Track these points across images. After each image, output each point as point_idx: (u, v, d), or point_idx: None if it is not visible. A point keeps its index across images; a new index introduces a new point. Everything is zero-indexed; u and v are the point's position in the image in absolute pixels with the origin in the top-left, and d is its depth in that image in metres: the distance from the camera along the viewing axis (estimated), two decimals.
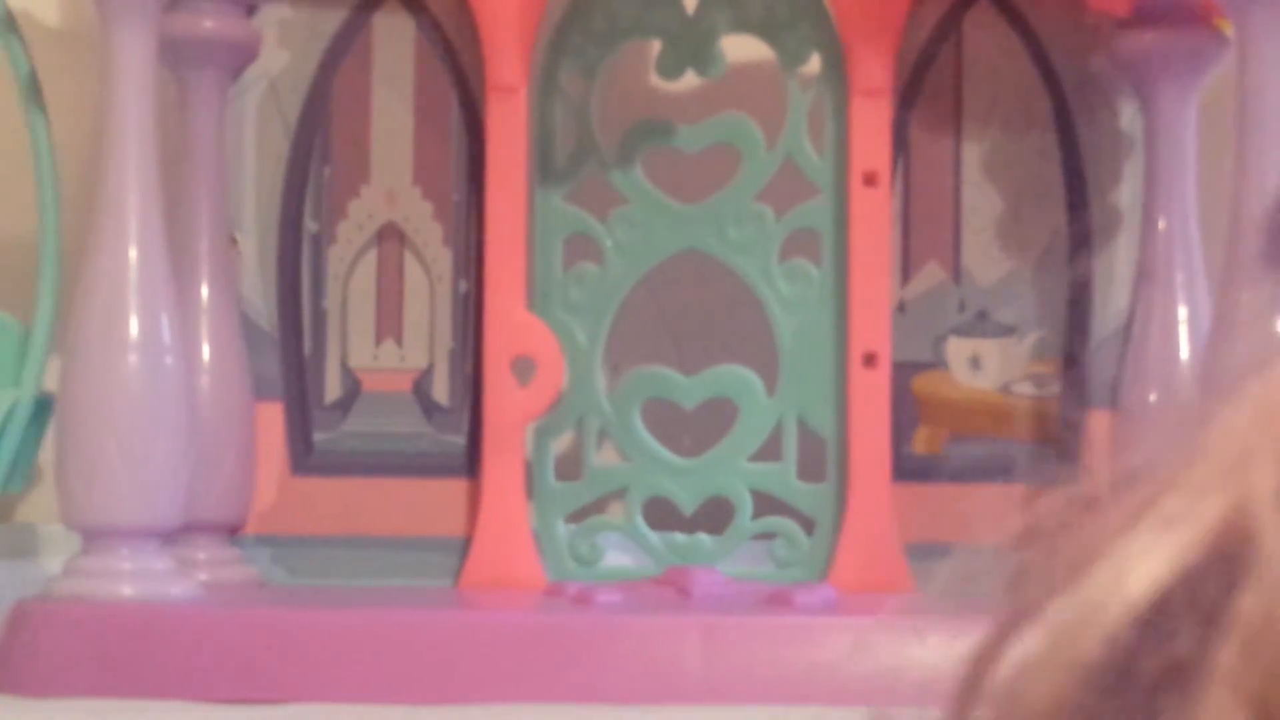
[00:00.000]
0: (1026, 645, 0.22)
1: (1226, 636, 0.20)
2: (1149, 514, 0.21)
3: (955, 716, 0.22)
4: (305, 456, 0.99)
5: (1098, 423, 0.97)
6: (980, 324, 0.99)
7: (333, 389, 1.00)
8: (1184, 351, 0.94)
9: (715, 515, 0.98)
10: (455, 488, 0.98)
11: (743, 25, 0.98)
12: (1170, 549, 0.21)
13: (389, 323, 1.00)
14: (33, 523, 1.05)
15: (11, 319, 0.91)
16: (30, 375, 0.90)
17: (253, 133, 0.99)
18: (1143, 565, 0.21)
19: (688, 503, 0.98)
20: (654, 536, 0.98)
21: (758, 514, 0.97)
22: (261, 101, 1.00)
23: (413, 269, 1.00)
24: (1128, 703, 0.21)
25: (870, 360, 0.96)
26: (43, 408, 0.90)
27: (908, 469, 0.97)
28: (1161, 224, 0.95)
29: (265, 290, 0.99)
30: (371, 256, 1.00)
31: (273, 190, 0.99)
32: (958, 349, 1.00)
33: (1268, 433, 0.20)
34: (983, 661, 0.22)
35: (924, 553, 0.94)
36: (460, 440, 0.99)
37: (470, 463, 0.98)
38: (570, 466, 0.99)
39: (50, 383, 0.90)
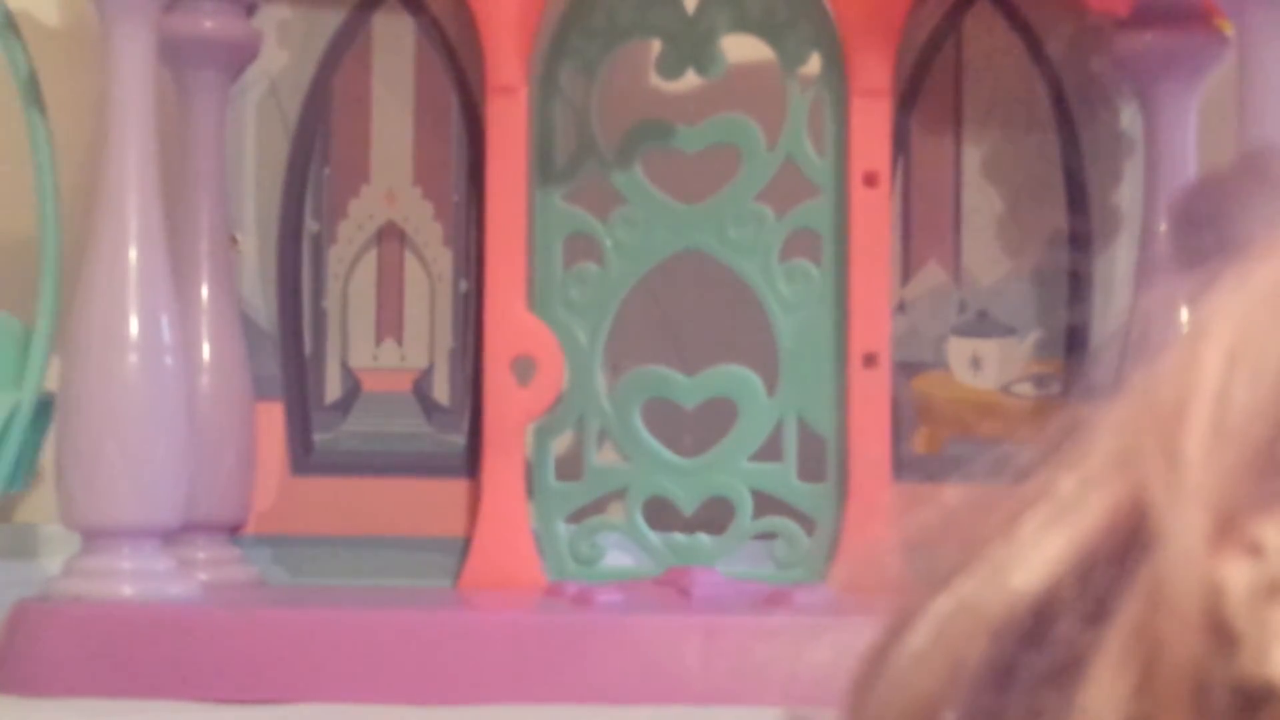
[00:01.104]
0: (913, 639, 0.22)
1: (1113, 629, 0.20)
2: (1037, 507, 0.22)
3: (850, 712, 0.23)
4: (305, 456, 0.99)
5: None
6: (980, 324, 0.99)
7: (333, 389, 1.00)
8: None
9: (715, 515, 0.98)
10: (455, 488, 0.98)
11: (743, 25, 0.98)
12: (1059, 541, 0.21)
13: (389, 323, 1.00)
14: (33, 523, 1.05)
15: (13, 319, 0.91)
16: (33, 376, 0.90)
17: (253, 133, 0.99)
18: (1029, 558, 0.21)
19: (688, 503, 0.98)
20: (654, 536, 0.98)
21: (758, 514, 0.97)
22: (261, 101, 1.00)
23: (413, 269, 1.00)
24: (1008, 699, 0.21)
25: (870, 360, 0.96)
26: (45, 408, 0.90)
27: (908, 469, 0.97)
28: (1161, 224, 0.95)
29: (265, 290, 0.99)
30: (372, 256, 1.00)
31: (273, 190, 0.99)
32: (958, 349, 1.00)
33: (1156, 424, 0.21)
34: (875, 656, 0.22)
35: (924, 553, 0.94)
36: (460, 440, 0.99)
37: (470, 463, 0.98)
38: (570, 466, 0.99)
39: (51, 383, 0.90)
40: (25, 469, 0.91)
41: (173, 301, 0.87)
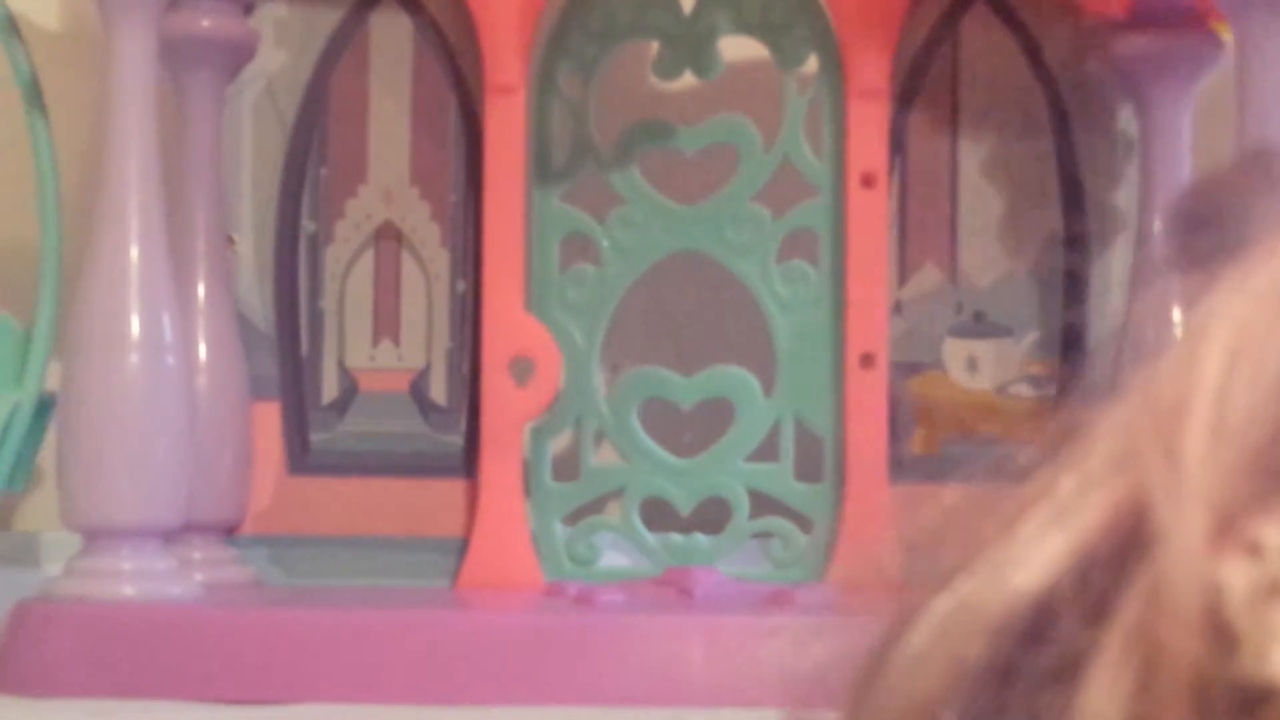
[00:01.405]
0: (913, 640, 0.22)
1: (1113, 629, 0.20)
2: (1037, 507, 0.22)
3: (849, 713, 0.23)
4: (302, 456, 0.99)
5: None
6: (977, 325, 1.00)
7: (330, 389, 1.00)
8: None
9: (713, 515, 0.98)
10: (453, 488, 0.98)
11: (740, 26, 0.99)
12: (1058, 541, 0.21)
13: (386, 323, 1.00)
14: (33, 530, 1.05)
15: (12, 320, 0.91)
16: (32, 376, 0.90)
17: (250, 132, 0.99)
18: (1028, 558, 0.21)
19: (685, 503, 0.98)
20: (651, 537, 0.98)
21: (755, 514, 0.97)
22: (258, 101, 1.00)
23: (410, 269, 1.00)
24: (1008, 700, 0.21)
25: (867, 361, 0.96)
26: (43, 408, 0.90)
27: (905, 469, 0.97)
28: (1158, 225, 0.95)
29: (262, 290, 0.99)
30: (369, 256, 1.00)
31: (270, 190, 1.00)
32: (955, 350, 1.00)
33: (1156, 424, 0.21)
34: (875, 656, 0.22)
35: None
36: (458, 440, 0.99)
37: (468, 463, 0.98)
38: (568, 467, 0.99)
39: (50, 383, 0.90)
40: (23, 470, 0.91)
41: (174, 301, 0.87)
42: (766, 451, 0.97)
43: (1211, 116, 0.95)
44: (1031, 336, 0.99)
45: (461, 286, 0.99)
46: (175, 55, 0.94)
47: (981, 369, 1.00)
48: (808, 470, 0.97)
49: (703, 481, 0.97)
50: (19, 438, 0.89)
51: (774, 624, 0.81)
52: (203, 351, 0.94)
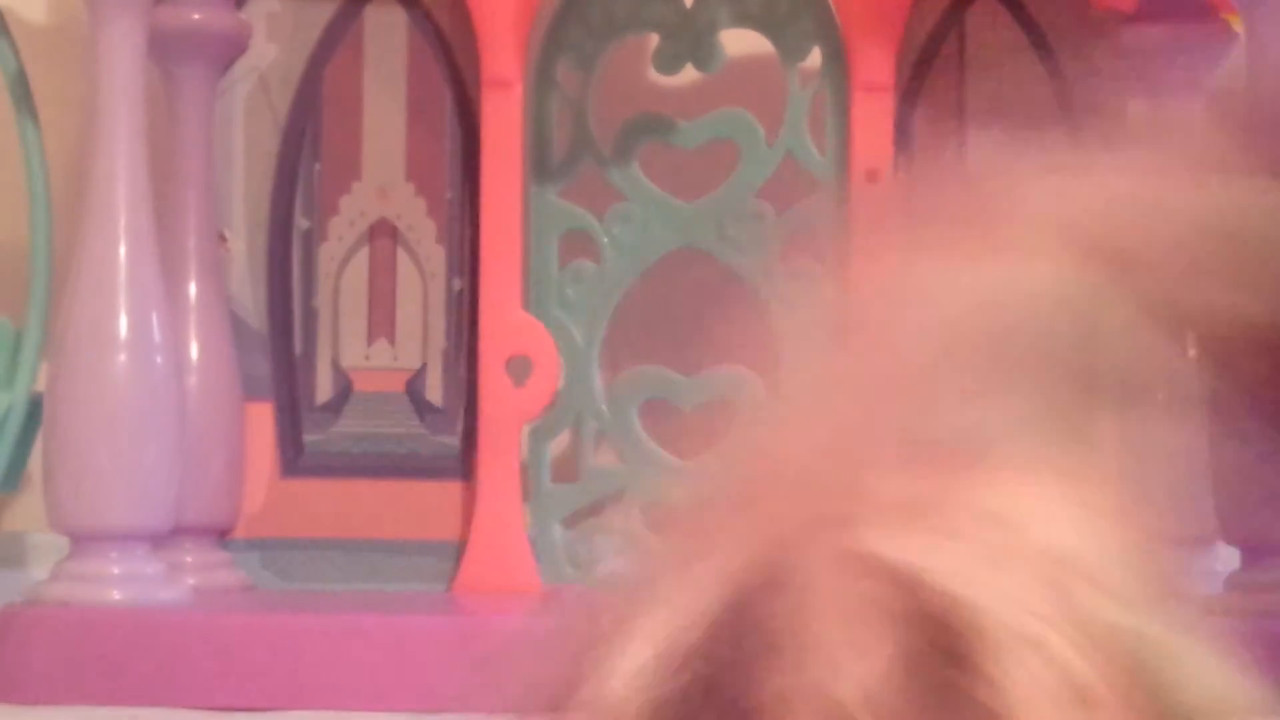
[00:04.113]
0: None
1: None
2: (647, 603, 0.20)
3: None
4: (296, 458, 0.99)
5: None
6: None
7: (324, 389, 1.00)
8: None
9: None
10: (449, 490, 0.98)
11: (742, 19, 0.98)
12: (657, 634, 0.20)
13: (381, 322, 1.00)
14: (20, 531, 1.05)
15: (3, 321, 0.91)
16: (24, 377, 0.89)
17: (242, 128, 0.99)
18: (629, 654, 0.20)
19: None
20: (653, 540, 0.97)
21: None
22: (251, 95, 1.00)
23: (405, 267, 1.00)
24: None
25: None
26: (36, 409, 0.90)
27: None
28: None
29: (255, 288, 0.99)
30: (363, 254, 1.00)
31: (262, 186, 0.99)
32: None
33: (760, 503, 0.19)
34: None
35: None
36: (454, 442, 0.99)
37: (465, 465, 0.98)
38: (567, 468, 0.98)
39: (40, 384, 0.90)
40: (17, 471, 0.91)
41: (163, 300, 0.87)
42: None
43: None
44: None
45: (458, 284, 0.99)
46: (165, 49, 0.94)
47: None
48: None
49: None
50: (13, 439, 0.89)
51: None
52: (194, 351, 0.94)
